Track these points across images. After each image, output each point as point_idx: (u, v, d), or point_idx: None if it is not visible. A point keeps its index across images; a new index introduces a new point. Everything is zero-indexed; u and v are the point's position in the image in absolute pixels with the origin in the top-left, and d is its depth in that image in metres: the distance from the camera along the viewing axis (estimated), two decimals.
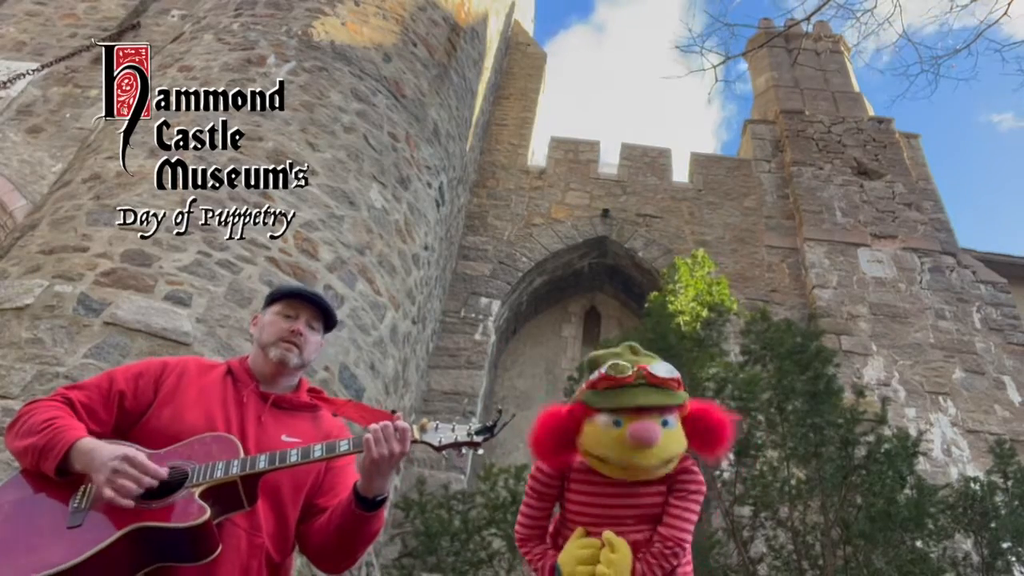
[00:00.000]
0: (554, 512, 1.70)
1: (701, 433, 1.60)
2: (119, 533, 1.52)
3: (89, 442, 1.62)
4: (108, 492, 1.54)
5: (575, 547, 1.54)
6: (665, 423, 1.54)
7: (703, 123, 47.66)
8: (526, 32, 14.96)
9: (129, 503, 1.54)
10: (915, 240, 10.58)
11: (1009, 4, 5.58)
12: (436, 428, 1.73)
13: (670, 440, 1.54)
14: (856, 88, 13.93)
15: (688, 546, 1.55)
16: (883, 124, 12.56)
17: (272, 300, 2.05)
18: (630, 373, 1.56)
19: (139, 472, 1.57)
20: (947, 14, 8.55)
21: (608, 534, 1.51)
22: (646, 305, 6.37)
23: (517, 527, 1.70)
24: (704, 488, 1.60)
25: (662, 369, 1.60)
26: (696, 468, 1.60)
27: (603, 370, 1.59)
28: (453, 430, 1.72)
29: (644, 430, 1.51)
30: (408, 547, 5.40)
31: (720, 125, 48.22)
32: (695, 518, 1.57)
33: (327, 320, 2.05)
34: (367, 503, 1.73)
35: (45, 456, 1.61)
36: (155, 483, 1.58)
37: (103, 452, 1.59)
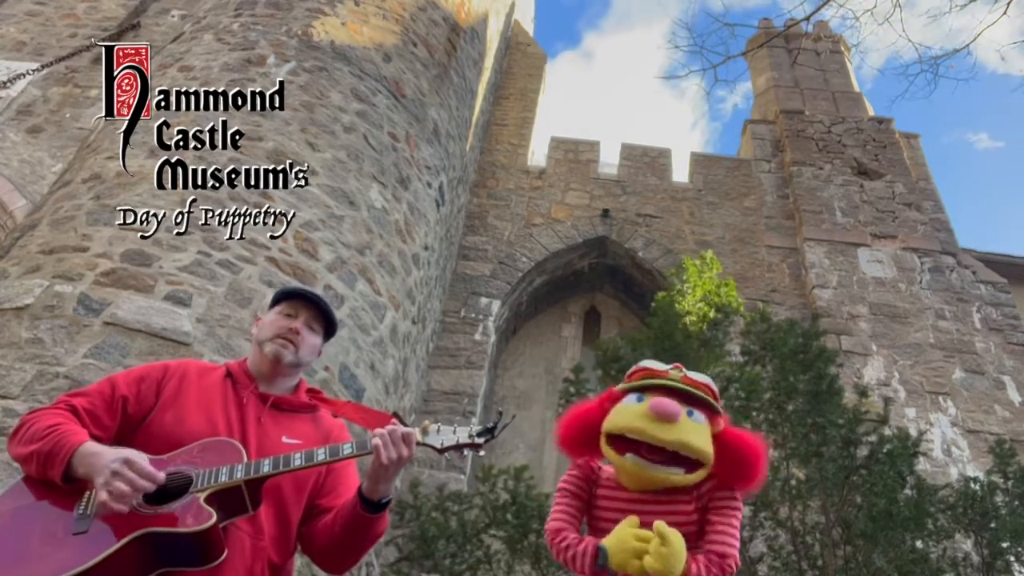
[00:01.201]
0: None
1: (733, 462, 1.58)
2: (125, 539, 1.50)
3: (92, 446, 1.61)
4: (103, 496, 1.52)
5: (630, 536, 1.45)
6: (690, 413, 1.55)
7: (688, 141, 48.61)
8: (526, 32, 14.95)
9: (123, 508, 1.52)
10: (915, 240, 10.58)
11: (1009, 3, 5.58)
12: (438, 430, 1.74)
13: (693, 429, 1.53)
14: (856, 88, 13.92)
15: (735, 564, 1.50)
16: (883, 124, 12.55)
17: (275, 301, 2.08)
18: (667, 369, 1.61)
19: (135, 475, 1.55)
20: (946, 14, 8.53)
21: (660, 525, 1.41)
22: (652, 305, 6.36)
23: (551, 521, 1.68)
24: (742, 510, 1.57)
25: (698, 375, 1.63)
26: (736, 491, 1.58)
27: (642, 363, 1.64)
28: (454, 432, 1.73)
29: (664, 402, 1.52)
30: (404, 551, 5.36)
31: (705, 144, 49.29)
32: (738, 537, 1.52)
33: (328, 324, 2.07)
34: (372, 505, 1.73)
35: (50, 462, 1.60)
36: (151, 487, 1.56)
37: (105, 456, 1.58)
